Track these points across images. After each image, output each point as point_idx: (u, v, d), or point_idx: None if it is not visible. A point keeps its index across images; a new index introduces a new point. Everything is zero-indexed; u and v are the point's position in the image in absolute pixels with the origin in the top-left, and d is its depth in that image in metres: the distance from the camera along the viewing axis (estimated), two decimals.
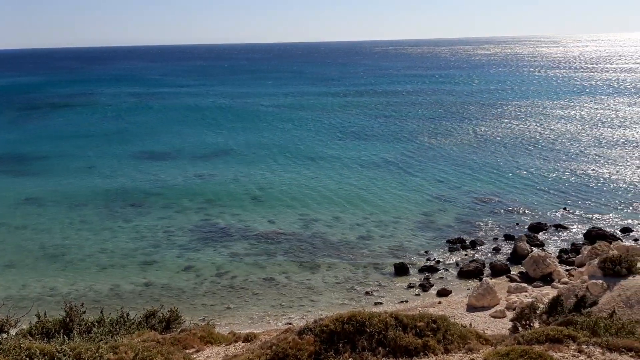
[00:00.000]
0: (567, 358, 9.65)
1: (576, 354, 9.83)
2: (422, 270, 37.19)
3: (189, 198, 53.67)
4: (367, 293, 34.00)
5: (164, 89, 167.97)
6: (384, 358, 10.11)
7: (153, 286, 35.61)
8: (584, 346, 10.03)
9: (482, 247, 41.11)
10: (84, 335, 15.00)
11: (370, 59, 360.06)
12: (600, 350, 9.84)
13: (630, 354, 9.83)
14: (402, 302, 32.80)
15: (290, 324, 28.42)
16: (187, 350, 14.26)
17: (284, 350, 10.33)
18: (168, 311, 19.19)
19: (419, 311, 28.63)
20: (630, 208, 48.11)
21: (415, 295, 33.82)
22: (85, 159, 72.30)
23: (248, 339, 15.35)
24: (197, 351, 14.31)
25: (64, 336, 14.08)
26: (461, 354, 10.05)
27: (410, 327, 10.51)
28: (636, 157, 66.12)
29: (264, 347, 10.92)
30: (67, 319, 15.53)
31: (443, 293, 33.70)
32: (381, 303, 32.61)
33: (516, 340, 10.69)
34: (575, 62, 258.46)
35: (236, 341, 15.61)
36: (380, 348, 10.30)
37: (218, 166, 66.92)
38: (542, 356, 9.20)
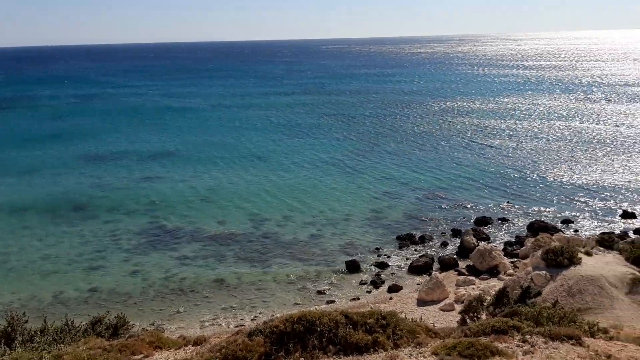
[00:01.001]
0: (511, 348, 9.90)
1: (520, 344, 10.10)
2: (373, 266, 37.57)
3: (135, 200, 52.48)
4: (319, 292, 34.06)
5: (107, 89, 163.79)
6: (334, 356, 10.12)
7: (99, 292, 34.64)
8: (527, 336, 10.31)
9: (431, 242, 41.84)
10: (27, 345, 14.46)
11: (317, 58, 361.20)
12: (543, 340, 10.14)
13: (571, 342, 10.17)
14: (354, 299, 33.01)
15: (242, 325, 28.14)
16: (135, 357, 13.90)
17: (233, 353, 10.19)
18: (115, 317, 18.68)
19: (371, 308, 28.96)
20: (570, 200, 49.94)
21: (367, 292, 34.10)
22: (26, 162, 69.63)
23: (198, 342, 15.08)
24: (146, 357, 13.96)
25: (5, 346, 13.54)
26: (410, 349, 10.16)
27: (361, 324, 10.56)
28: (572, 150, 68.73)
29: (213, 350, 10.74)
30: (9, 328, 14.95)
31: (394, 289, 34.11)
32: (334, 301, 32.72)
33: (463, 332, 10.89)
34: (514, 60, 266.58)
35: (186, 345, 15.32)
36: (330, 346, 10.30)
37: (164, 167, 65.70)
38: (488, 348, 9.40)
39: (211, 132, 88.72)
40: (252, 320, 30.01)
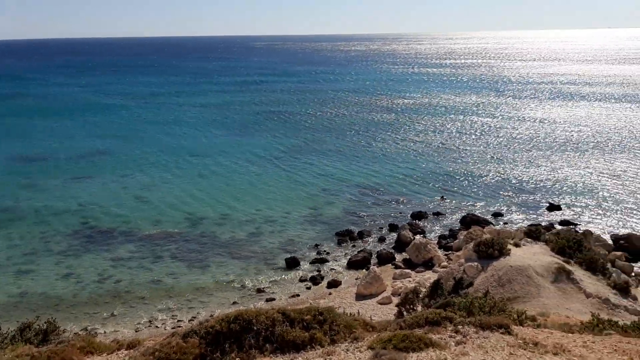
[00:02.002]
0: (444, 339, 10.18)
1: (453, 334, 10.39)
2: (312, 263, 37.75)
3: (65, 201, 50.53)
4: (259, 290, 33.90)
5: (35, 86, 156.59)
6: (271, 354, 10.09)
7: (29, 296, 33.17)
8: (459, 327, 10.62)
9: (369, 237, 42.43)
10: None
11: (251, 54, 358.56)
12: (474, 330, 10.47)
13: (500, 330, 10.55)
14: (294, 296, 33.07)
15: (179, 327, 27.62)
16: None
17: (167, 356, 9.99)
18: (45, 322, 17.94)
19: (310, 304, 29.07)
20: (499, 194, 51.78)
21: (307, 288, 34.23)
22: None
23: (132, 345, 14.70)
24: None
25: None
26: (347, 344, 10.26)
27: (298, 321, 10.57)
28: (499, 146, 71.31)
29: (146, 354, 10.48)
30: None
31: (333, 284, 34.41)
32: (274, 299, 32.65)
33: (399, 325, 11.10)
34: (445, 58, 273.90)
35: (119, 349, 14.91)
36: (267, 345, 10.26)
37: (96, 166, 63.53)
38: (422, 339, 9.62)
39: (144, 130, 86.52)
40: (190, 321, 29.51)
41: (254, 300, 32.42)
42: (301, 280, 35.19)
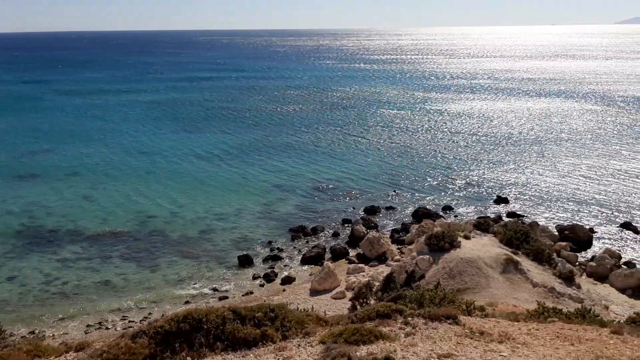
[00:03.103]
0: (394, 331, 10.30)
1: (403, 326, 10.53)
2: (266, 260, 37.56)
3: (9, 201, 48.69)
4: (211, 288, 33.51)
5: None
6: (222, 352, 9.98)
7: None
8: (409, 318, 10.77)
9: (323, 232, 42.54)
10: None
11: (198, 49, 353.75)
12: (424, 321, 10.64)
13: (448, 321, 10.75)
14: (247, 293, 32.84)
15: (131, 328, 27.04)
16: None
17: (115, 357, 9.75)
18: None
19: (264, 301, 28.95)
20: (450, 188, 52.80)
21: (261, 285, 34.06)
22: None
23: (80, 348, 14.32)
24: None
25: None
26: (299, 339, 10.25)
27: (249, 319, 10.49)
28: (448, 141, 72.73)
29: (94, 356, 10.21)
30: None
31: (287, 281, 34.34)
32: (227, 297, 32.35)
33: (350, 319, 11.16)
34: (394, 54, 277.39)
35: (67, 352, 14.51)
36: (218, 343, 10.15)
37: (41, 165, 61.38)
38: (372, 332, 9.70)
39: (90, 127, 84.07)
40: (141, 321, 28.88)
41: (207, 299, 32.03)
42: (254, 278, 34.98)
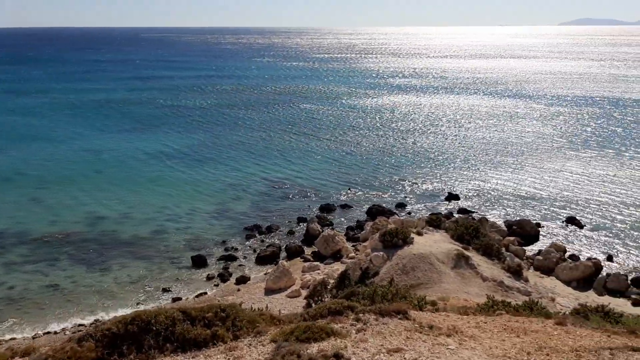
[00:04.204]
0: (346, 328, 10.36)
1: (354, 322, 10.60)
2: (220, 260, 37.21)
3: None
4: (164, 290, 32.98)
5: None
6: (172, 354, 9.82)
7: None
8: (360, 315, 10.85)
9: (278, 231, 42.42)
10: None
11: (144, 47, 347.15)
12: (375, 317, 10.74)
13: (399, 316, 10.89)
14: (201, 294, 32.46)
15: (80, 331, 26.34)
16: None
17: None
18: None
19: (218, 301, 28.66)
20: (403, 186, 53.49)
21: (215, 285, 33.72)
22: None
23: (26, 353, 13.89)
24: None
25: None
26: (250, 339, 10.19)
27: (199, 319, 10.36)
28: (400, 138, 73.69)
29: None
30: None
31: (242, 280, 34.10)
32: (180, 298, 31.92)
33: (302, 317, 11.16)
34: (348, 52, 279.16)
35: (12, 357, 14.05)
36: (167, 344, 9.98)
37: None
38: (323, 329, 9.72)
39: (37, 127, 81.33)
40: (91, 325, 28.18)
41: (159, 300, 31.53)
42: (208, 278, 34.59)
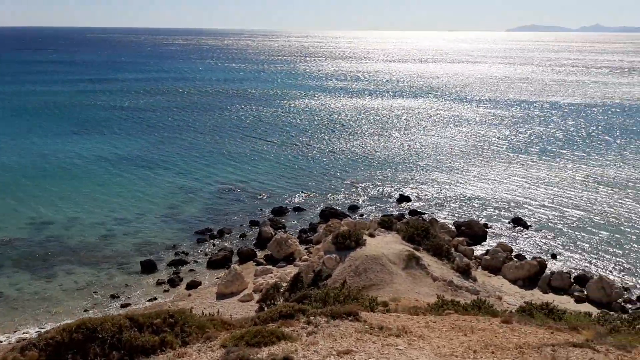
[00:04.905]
0: (297, 331, 10.36)
1: (305, 325, 10.61)
2: (170, 264, 36.56)
3: None
4: (112, 296, 32.16)
5: None
6: None
7: None
8: (312, 318, 10.87)
9: (230, 235, 42.03)
10: None
11: (88, 47, 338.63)
12: (326, 319, 10.78)
13: (349, 318, 10.97)
14: (150, 300, 31.81)
15: (24, 340, 25.40)
16: None
17: None
18: None
19: (169, 307, 28.16)
20: (355, 188, 53.91)
21: (165, 291, 33.11)
22: None
23: None
24: None
25: None
26: (199, 344, 10.06)
27: (147, 326, 10.16)
28: (351, 140, 74.36)
29: None
30: None
31: (193, 285, 33.62)
32: (129, 304, 31.18)
33: (253, 321, 11.09)
34: (298, 55, 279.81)
35: None
36: (114, 352, 9.75)
37: None
38: (274, 333, 9.70)
39: None
40: (36, 333, 27.23)
41: (108, 307, 30.73)
42: (158, 284, 33.93)
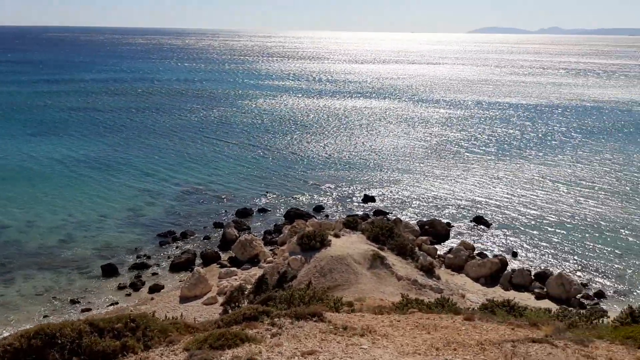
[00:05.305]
0: (261, 333, 10.31)
1: (269, 327, 10.57)
2: (132, 268, 35.93)
3: None
4: (72, 301, 31.43)
5: None
6: None
7: None
8: (276, 319, 10.84)
9: (193, 237, 41.57)
10: None
11: (46, 46, 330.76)
12: (290, 321, 10.76)
13: (314, 319, 10.97)
14: (112, 304, 31.22)
15: None
16: None
17: None
18: None
19: (131, 311, 27.67)
20: (320, 188, 54.01)
21: (127, 295, 32.53)
22: None
23: None
24: None
25: None
26: (162, 348, 9.92)
27: (108, 330, 9.96)
28: (314, 141, 74.51)
29: None
30: None
31: (155, 289, 33.13)
32: (90, 309, 30.51)
33: (217, 324, 10.99)
34: (261, 55, 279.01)
35: None
36: (74, 358, 9.52)
37: None
38: (238, 336, 9.63)
39: None
40: None
41: (68, 312, 30.02)
42: (120, 288, 33.31)
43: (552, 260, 38.54)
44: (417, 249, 35.48)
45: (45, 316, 29.41)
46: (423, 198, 51.56)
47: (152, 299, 31.74)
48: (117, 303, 31.30)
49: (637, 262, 38.03)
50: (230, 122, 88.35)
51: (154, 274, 35.47)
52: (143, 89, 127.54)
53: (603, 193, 53.26)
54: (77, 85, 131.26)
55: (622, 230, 43.70)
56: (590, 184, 56.37)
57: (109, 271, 34.91)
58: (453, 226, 44.45)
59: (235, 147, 70.45)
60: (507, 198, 51.63)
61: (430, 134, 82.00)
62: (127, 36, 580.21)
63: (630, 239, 42.06)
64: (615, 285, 34.83)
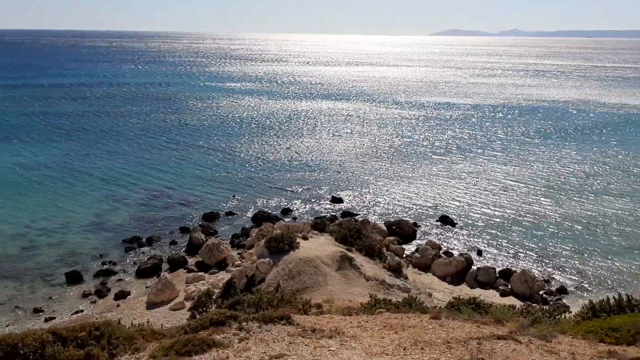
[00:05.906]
0: (228, 338, 10.25)
1: (237, 332, 10.51)
2: (97, 275, 35.24)
3: None
4: (35, 310, 30.65)
5: None
6: None
7: None
8: (244, 323, 10.78)
9: (159, 242, 41.02)
10: None
11: (1, 50, 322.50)
12: (258, 325, 10.72)
13: (282, 322, 10.96)
14: (76, 312, 30.55)
15: None
16: None
17: None
18: None
19: (96, 319, 27.15)
20: (288, 191, 53.96)
21: (92, 302, 31.90)
22: None
23: None
24: None
25: None
26: (128, 356, 9.77)
27: (71, 340, 9.76)
28: (279, 143, 74.44)
29: None
30: None
31: (121, 295, 32.57)
32: (54, 318, 29.80)
33: (184, 330, 10.88)
34: (226, 57, 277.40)
35: None
36: None
37: None
38: (205, 341, 9.55)
39: None
40: None
41: (31, 322, 29.25)
42: (84, 295, 32.64)
43: (515, 257, 39.31)
44: (384, 249, 35.73)
45: (7, 326, 28.59)
46: (390, 199, 51.97)
47: (118, 305, 31.20)
48: (82, 311, 30.66)
49: (596, 258, 39.11)
50: (193, 125, 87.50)
51: (119, 280, 34.88)
52: (103, 93, 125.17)
53: (562, 192, 54.59)
54: (35, 90, 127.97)
55: (581, 228, 44.87)
56: (549, 182, 57.71)
57: (73, 278, 34.19)
58: (419, 226, 44.92)
59: (199, 151, 69.80)
60: (471, 197, 52.46)
61: (395, 134, 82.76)
62: (89, 39, 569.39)
63: (589, 236, 43.22)
64: (576, 281, 35.74)
